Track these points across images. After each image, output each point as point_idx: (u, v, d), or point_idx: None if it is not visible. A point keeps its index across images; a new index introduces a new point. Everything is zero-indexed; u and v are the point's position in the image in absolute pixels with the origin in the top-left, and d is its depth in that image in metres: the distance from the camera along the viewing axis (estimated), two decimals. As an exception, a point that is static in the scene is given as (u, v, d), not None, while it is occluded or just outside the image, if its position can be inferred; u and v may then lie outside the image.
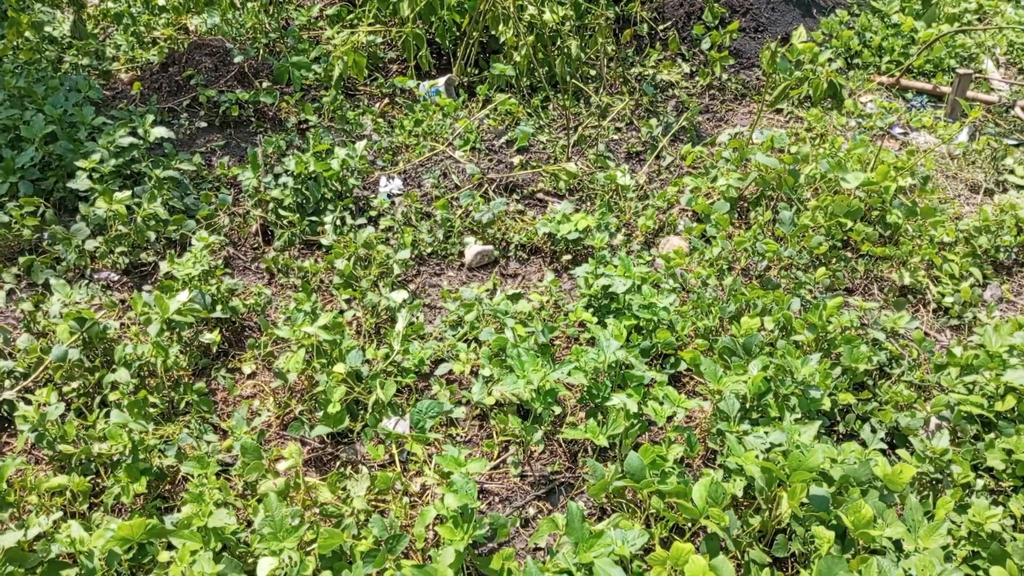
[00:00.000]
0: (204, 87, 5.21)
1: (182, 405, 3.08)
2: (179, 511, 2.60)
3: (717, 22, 6.20)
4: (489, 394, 3.07)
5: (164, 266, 3.48)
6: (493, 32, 5.53)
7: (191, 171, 4.42)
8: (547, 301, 3.69)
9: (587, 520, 2.36)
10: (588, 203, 4.55)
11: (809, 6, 7.03)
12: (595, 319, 3.41)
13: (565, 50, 5.49)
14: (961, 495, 2.61)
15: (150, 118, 4.41)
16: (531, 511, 2.81)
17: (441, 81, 5.52)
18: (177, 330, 3.28)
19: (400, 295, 3.55)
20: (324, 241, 3.99)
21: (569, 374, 2.92)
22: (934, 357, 3.37)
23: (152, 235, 3.85)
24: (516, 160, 4.84)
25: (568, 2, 5.69)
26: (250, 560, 2.39)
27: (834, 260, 4.03)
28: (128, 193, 3.79)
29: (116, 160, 4.15)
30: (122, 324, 3.48)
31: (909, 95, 6.17)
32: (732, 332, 3.37)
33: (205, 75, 5.34)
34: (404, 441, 2.84)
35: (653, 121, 5.28)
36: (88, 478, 2.69)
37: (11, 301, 3.56)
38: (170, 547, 2.45)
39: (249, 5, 5.83)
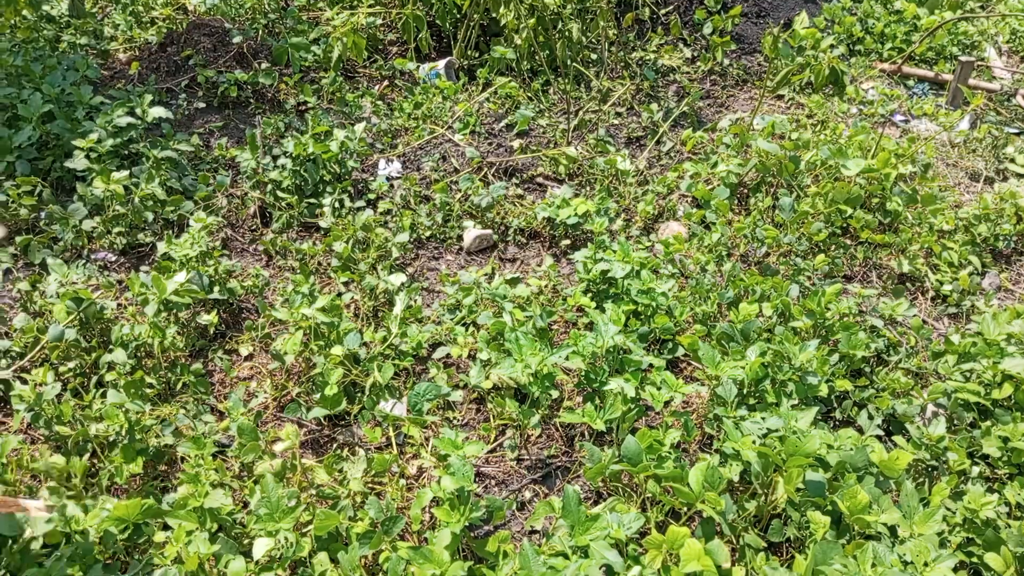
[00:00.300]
0: (203, 68, 5.18)
1: (179, 386, 3.08)
2: (175, 491, 2.60)
3: (719, 7, 6.17)
4: (487, 378, 3.07)
5: (161, 247, 3.47)
6: (494, 14, 5.49)
7: (189, 152, 4.40)
8: (545, 286, 3.69)
9: (583, 504, 2.37)
10: (588, 188, 4.54)
11: (812, -8, 7.00)
12: (593, 304, 3.40)
13: (566, 33, 5.46)
14: (957, 482, 2.61)
15: (148, 98, 4.38)
16: (527, 494, 2.81)
17: (441, 64, 5.49)
18: (174, 311, 3.28)
19: (398, 278, 3.54)
20: (322, 223, 3.98)
21: (567, 358, 2.92)
22: (932, 345, 3.37)
23: (150, 216, 3.84)
24: (516, 144, 4.82)
25: (569, -15, 5.65)
26: (246, 541, 2.40)
27: (833, 247, 4.03)
28: (126, 173, 3.78)
29: (114, 140, 4.13)
30: (119, 304, 3.47)
31: (911, 82, 6.15)
32: (730, 318, 3.37)
33: (204, 55, 5.31)
34: (401, 424, 2.84)
35: (654, 106, 5.26)
36: (84, 457, 2.68)
37: (8, 281, 3.55)
38: (166, 527, 2.46)
39: (248, -15, 5.79)
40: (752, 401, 2.92)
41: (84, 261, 3.66)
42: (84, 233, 3.75)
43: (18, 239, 3.60)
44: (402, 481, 2.71)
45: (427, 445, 2.88)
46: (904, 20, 6.60)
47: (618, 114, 5.34)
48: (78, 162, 3.92)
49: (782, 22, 6.65)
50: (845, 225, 4.18)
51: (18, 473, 2.61)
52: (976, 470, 2.72)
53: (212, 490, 2.40)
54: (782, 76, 5.01)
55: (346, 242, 3.77)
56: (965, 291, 3.83)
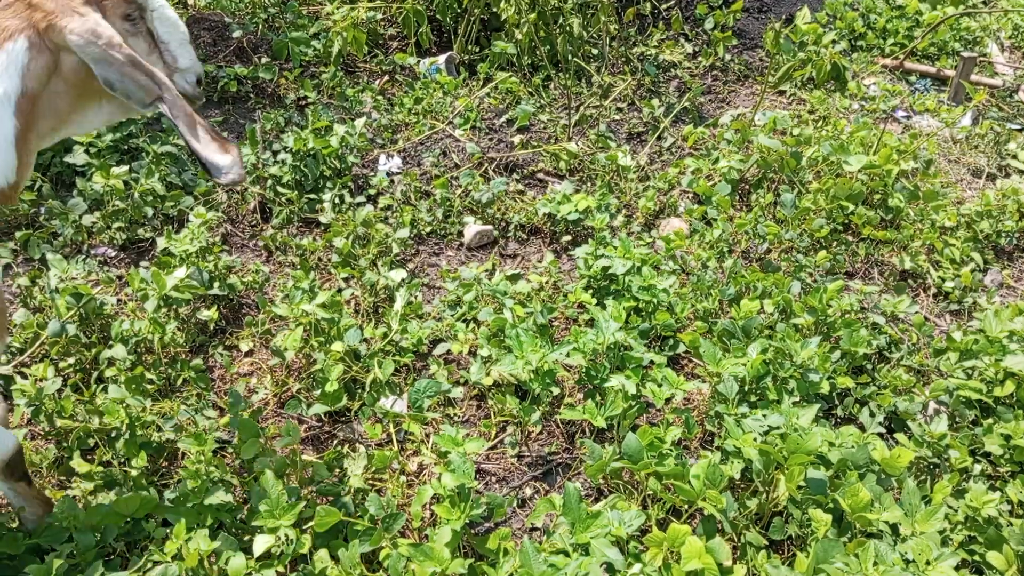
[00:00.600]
0: (202, 62, 5.16)
1: (179, 382, 3.07)
2: (176, 487, 2.60)
3: (721, 2, 6.15)
4: (487, 374, 3.06)
5: (161, 242, 3.46)
6: (495, 9, 5.47)
7: (189, 147, 4.38)
8: (546, 282, 3.68)
9: (584, 501, 2.36)
10: (588, 184, 4.53)
11: (814, -13, 6.98)
12: (594, 300, 3.39)
13: (567, 28, 5.44)
14: (958, 480, 2.61)
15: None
16: (528, 491, 2.81)
17: (441, 59, 5.48)
18: (174, 307, 3.27)
19: (399, 274, 3.53)
20: (323, 219, 3.97)
21: (568, 355, 2.91)
22: (934, 342, 3.36)
23: (149, 211, 3.83)
24: (516, 139, 4.81)
25: (571, -20, 5.63)
26: (247, 537, 2.39)
27: (835, 243, 4.02)
28: (125, 168, 3.76)
29: (113, 135, 4.11)
30: (119, 300, 3.46)
31: (913, 78, 6.13)
32: (732, 315, 3.36)
33: (203, 50, 5.29)
34: (402, 420, 2.83)
35: (655, 101, 5.24)
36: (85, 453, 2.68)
37: (7, 276, 3.55)
38: (166, 523, 2.45)
39: (248, -21, 5.77)
40: (753, 398, 2.92)
41: (84, 256, 3.65)
42: (84, 228, 3.74)
43: (18, 234, 3.60)
44: (403, 478, 2.70)
45: (428, 442, 2.87)
46: (906, 15, 6.58)
47: (619, 109, 5.33)
48: (78, 157, 3.91)
49: (784, 17, 6.64)
50: (847, 221, 4.17)
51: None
52: (978, 468, 2.72)
53: (212, 486, 2.39)
54: (784, 72, 4.99)
55: (346, 238, 3.76)
56: (967, 288, 3.82)
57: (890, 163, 4.24)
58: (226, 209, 4.08)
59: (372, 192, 4.27)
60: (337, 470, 2.66)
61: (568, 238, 4.08)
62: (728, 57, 5.99)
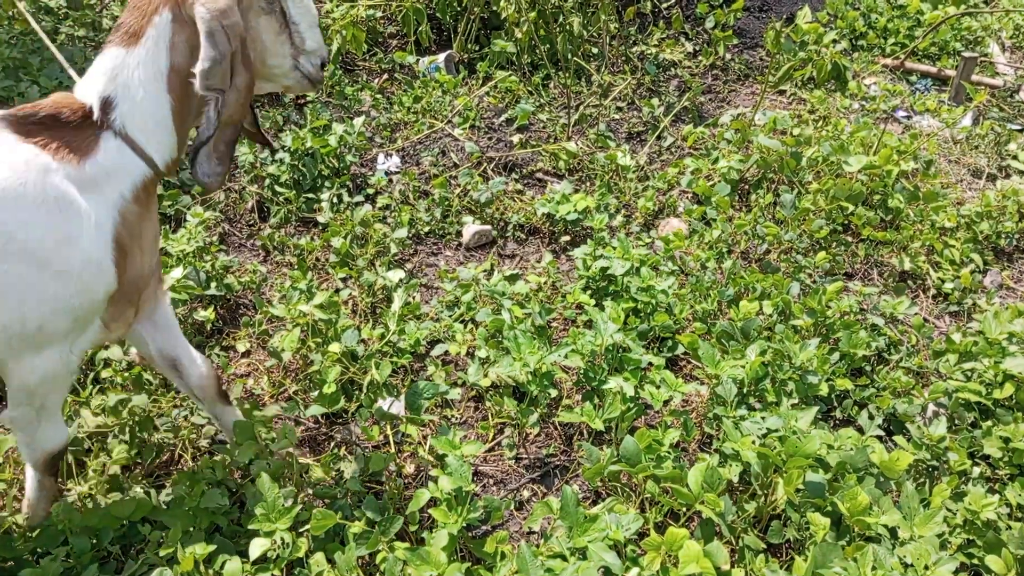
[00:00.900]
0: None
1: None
2: (172, 489, 2.59)
3: (722, 1, 6.13)
4: (485, 376, 3.05)
5: (159, 242, 3.45)
6: (494, 8, 5.46)
7: (187, 146, 4.37)
8: (545, 282, 3.67)
9: (582, 504, 2.35)
10: (588, 183, 4.51)
11: (814, -14, 6.96)
12: (593, 301, 3.38)
13: (567, 27, 5.43)
14: (957, 483, 2.59)
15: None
16: (526, 494, 2.80)
17: (441, 57, 5.46)
18: (172, 307, 3.25)
19: (397, 274, 3.52)
20: (320, 219, 3.96)
21: (566, 356, 2.90)
22: (933, 343, 3.35)
23: (147, 210, 3.81)
24: (516, 139, 4.80)
25: (570, -22, 5.61)
26: (243, 540, 2.38)
27: (834, 244, 4.01)
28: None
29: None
30: (116, 300, 3.45)
31: (913, 78, 6.12)
32: (730, 316, 3.35)
33: (202, 48, 5.27)
34: (399, 422, 2.82)
35: (655, 101, 5.23)
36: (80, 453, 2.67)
37: None
38: (162, 526, 2.44)
39: (247, -23, 5.75)
40: (752, 400, 2.91)
41: (81, 256, 3.63)
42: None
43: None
44: (400, 480, 2.69)
45: (425, 444, 2.86)
46: (907, 15, 6.57)
47: (619, 109, 5.32)
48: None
49: (785, 17, 6.62)
50: (846, 222, 4.16)
51: (15, 471, 2.60)
52: (977, 471, 2.71)
53: (209, 489, 2.38)
54: (784, 71, 4.98)
55: (344, 237, 3.75)
56: (967, 289, 3.81)
57: (890, 163, 4.22)
58: (224, 208, 4.07)
59: (370, 191, 4.26)
60: (334, 472, 2.65)
61: (567, 238, 4.07)
62: (728, 56, 5.97)
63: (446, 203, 4.18)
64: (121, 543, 2.39)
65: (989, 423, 2.85)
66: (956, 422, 2.95)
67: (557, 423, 3.04)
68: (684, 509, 2.44)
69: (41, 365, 1.94)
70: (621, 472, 2.54)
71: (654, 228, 4.17)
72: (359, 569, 2.25)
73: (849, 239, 4.07)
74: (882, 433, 2.93)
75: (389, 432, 2.88)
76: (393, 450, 2.84)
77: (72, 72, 2.29)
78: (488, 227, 4.09)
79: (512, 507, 2.72)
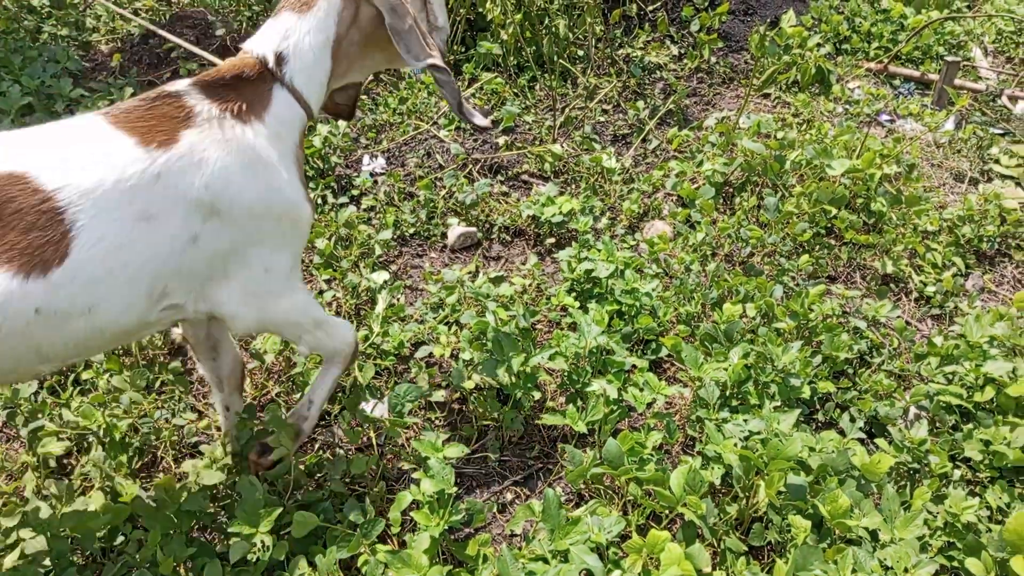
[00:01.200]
0: (185, 60, 5.12)
1: (157, 384, 3.04)
2: (152, 490, 2.57)
3: (707, 4, 6.16)
4: (469, 378, 3.05)
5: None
6: (480, 9, 5.46)
7: (170, 146, 4.34)
8: (529, 284, 3.66)
9: (565, 506, 2.35)
10: (573, 186, 4.52)
11: (799, -10, 7.00)
12: (577, 304, 3.38)
13: (553, 29, 5.43)
14: (938, 486, 2.61)
15: (129, 91, 4.33)
16: (508, 496, 2.79)
17: (427, 59, 5.45)
18: (153, 308, 3.23)
19: (381, 276, 3.51)
20: (305, 220, 3.94)
21: (550, 359, 2.90)
22: (915, 346, 3.37)
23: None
24: (501, 141, 4.80)
25: (557, -19, 5.62)
26: (224, 543, 2.37)
27: (817, 247, 4.02)
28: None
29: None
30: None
31: (897, 82, 6.16)
32: (714, 319, 3.36)
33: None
34: (382, 425, 2.82)
35: (640, 103, 5.24)
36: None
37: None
38: (143, 527, 2.42)
39: (232, -23, 5.73)
40: (735, 403, 2.91)
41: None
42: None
43: None
44: (382, 483, 2.68)
45: (408, 446, 2.85)
46: (891, 19, 6.61)
47: (604, 111, 5.32)
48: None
49: (769, 20, 6.65)
50: (830, 225, 4.18)
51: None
52: (958, 473, 2.72)
53: (189, 492, 2.37)
54: (768, 75, 5.01)
55: (328, 239, 3.74)
56: (949, 292, 3.83)
57: (873, 167, 4.25)
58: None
59: (355, 193, 4.25)
60: (316, 475, 2.64)
61: (552, 240, 4.07)
62: (713, 60, 5.99)
63: (431, 205, 4.18)
64: (101, 544, 2.37)
65: (970, 426, 2.87)
66: (937, 425, 2.97)
67: (540, 425, 3.04)
68: (666, 511, 2.44)
69: (288, 303, 2.23)
70: (604, 475, 2.54)
71: (639, 231, 4.18)
72: (340, 572, 2.24)
73: (832, 242, 4.09)
74: (864, 436, 2.94)
75: (372, 435, 2.87)
76: (376, 453, 2.83)
77: (210, 57, 2.60)
78: (473, 229, 4.08)
79: (495, 510, 2.72)
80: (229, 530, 2.21)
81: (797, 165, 4.41)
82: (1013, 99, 5.70)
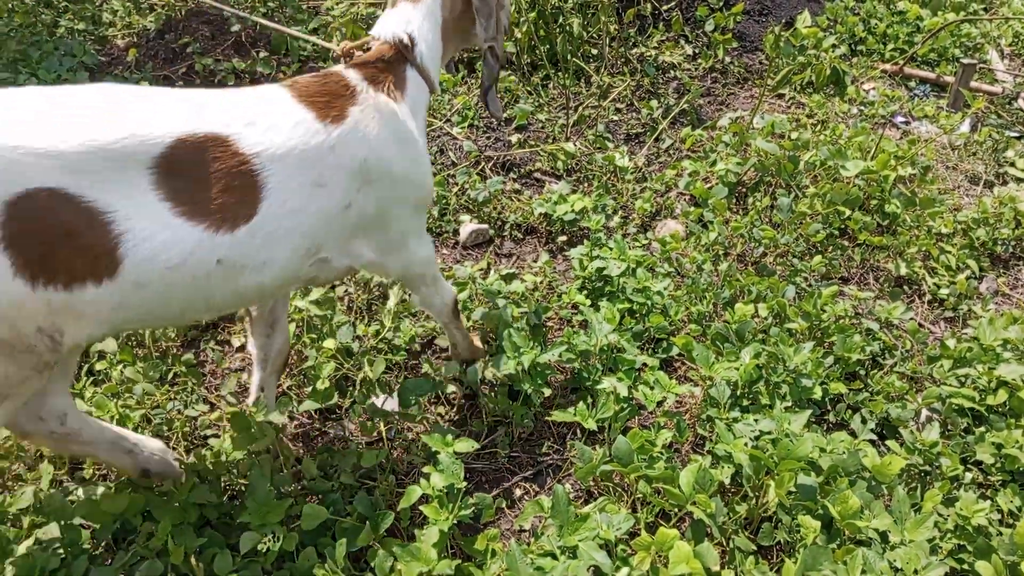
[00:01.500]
0: (200, 55, 5.15)
1: (170, 376, 3.06)
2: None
3: (721, 4, 6.14)
4: (479, 374, 3.05)
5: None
6: (495, 8, 5.45)
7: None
8: (541, 282, 3.67)
9: (573, 503, 2.35)
10: (585, 184, 4.52)
11: (815, -10, 6.97)
12: (588, 302, 3.38)
13: (567, 28, 5.43)
14: (949, 488, 2.60)
15: (145, 85, 4.35)
16: (517, 492, 2.80)
17: (441, 56, 5.46)
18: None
19: (393, 272, 3.51)
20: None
21: (560, 356, 2.90)
22: (927, 349, 3.35)
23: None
24: (514, 138, 4.80)
25: (571, -21, 5.61)
26: (234, 534, 2.38)
27: (831, 248, 4.01)
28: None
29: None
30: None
31: (912, 83, 6.13)
32: (726, 318, 3.35)
33: (202, 43, 5.27)
34: (392, 419, 2.82)
35: (653, 103, 5.23)
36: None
37: None
38: (154, 518, 2.44)
39: (248, -27, 5.75)
40: (745, 403, 2.91)
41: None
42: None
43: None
44: (392, 477, 2.69)
45: (418, 441, 2.86)
46: (907, 21, 6.57)
47: (617, 110, 5.32)
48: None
49: (784, 21, 6.62)
50: (843, 227, 4.16)
51: (10, 461, 2.60)
52: (969, 476, 2.71)
53: (199, 483, 2.38)
54: (783, 75, 4.99)
55: (341, 234, 3.74)
56: (962, 295, 3.81)
57: (887, 169, 4.23)
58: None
59: (368, 189, 4.25)
60: (327, 467, 2.65)
61: (564, 238, 4.07)
62: (728, 60, 5.98)
63: (444, 201, 4.19)
64: (112, 534, 2.39)
65: (982, 429, 2.85)
66: (949, 427, 2.96)
67: (550, 422, 3.04)
68: (675, 510, 2.44)
69: (424, 255, 2.56)
70: (613, 472, 2.55)
71: (651, 229, 4.18)
72: (349, 564, 2.25)
73: (845, 243, 4.08)
74: (875, 437, 2.93)
75: (382, 428, 2.88)
76: (386, 446, 2.83)
77: (320, 40, 3.23)
78: (485, 226, 4.09)
79: (504, 505, 2.73)
80: (239, 520, 2.22)
81: (811, 166, 4.40)
82: (1030, 102, 5.66)
